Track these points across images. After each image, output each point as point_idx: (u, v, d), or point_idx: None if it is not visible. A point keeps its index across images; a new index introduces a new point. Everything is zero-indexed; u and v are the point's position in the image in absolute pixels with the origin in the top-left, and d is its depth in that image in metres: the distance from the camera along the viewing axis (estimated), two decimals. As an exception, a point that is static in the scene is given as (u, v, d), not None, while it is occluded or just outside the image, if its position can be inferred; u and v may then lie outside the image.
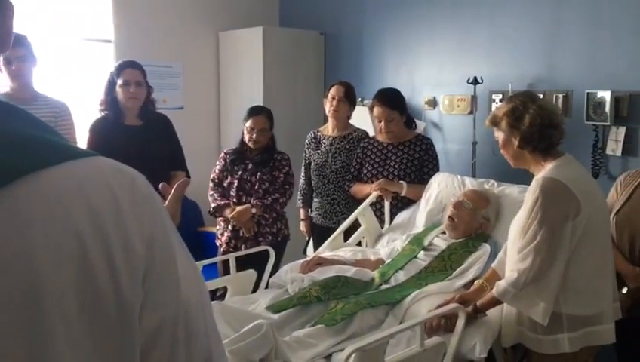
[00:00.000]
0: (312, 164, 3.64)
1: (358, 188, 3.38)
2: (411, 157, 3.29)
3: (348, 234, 3.21)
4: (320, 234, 3.58)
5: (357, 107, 3.69)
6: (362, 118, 3.91)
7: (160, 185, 1.06)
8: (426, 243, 2.74)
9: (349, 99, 3.57)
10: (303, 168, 3.73)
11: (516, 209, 2.42)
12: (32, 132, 0.66)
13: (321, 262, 2.77)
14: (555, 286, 2.01)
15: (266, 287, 2.81)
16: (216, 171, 3.45)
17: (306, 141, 3.72)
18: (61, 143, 0.67)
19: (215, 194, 3.40)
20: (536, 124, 2.05)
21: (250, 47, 4.51)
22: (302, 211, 3.76)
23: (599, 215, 2.09)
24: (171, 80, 4.54)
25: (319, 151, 3.61)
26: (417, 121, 3.61)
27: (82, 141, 3.19)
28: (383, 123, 3.26)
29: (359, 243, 3.22)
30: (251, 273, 2.81)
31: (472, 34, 3.76)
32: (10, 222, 0.60)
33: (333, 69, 4.66)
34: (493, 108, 3.56)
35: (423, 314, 2.16)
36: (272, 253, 2.90)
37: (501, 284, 2.09)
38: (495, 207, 2.75)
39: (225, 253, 3.29)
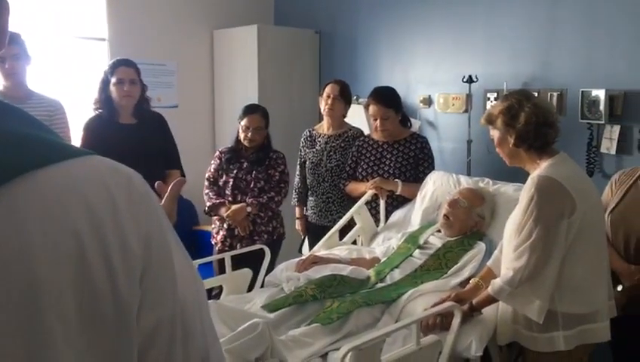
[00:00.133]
0: (307, 163, 3.64)
1: (354, 187, 3.38)
2: (406, 156, 3.29)
3: (343, 232, 3.21)
4: (315, 232, 3.58)
5: (352, 105, 3.69)
6: (357, 117, 3.92)
7: (156, 184, 1.06)
8: (421, 241, 2.75)
9: (345, 97, 3.56)
10: (298, 167, 3.72)
11: (511, 207, 2.43)
12: (28, 131, 0.66)
13: (316, 261, 2.77)
14: (551, 284, 2.01)
15: (262, 286, 2.81)
16: (212, 170, 3.44)
17: (301, 139, 3.72)
18: (58, 142, 0.67)
19: (210, 193, 3.39)
20: (531, 123, 2.05)
21: (245, 46, 4.50)
22: (297, 210, 3.76)
23: (594, 213, 2.09)
24: (165, 78, 4.52)
25: (314, 149, 3.61)
26: (412, 120, 3.61)
27: (76, 139, 3.17)
28: (378, 121, 3.27)
29: (354, 242, 3.22)
30: (247, 272, 2.81)
31: (467, 32, 3.76)
32: (7, 221, 0.59)
33: (328, 67, 4.66)
34: (488, 107, 3.57)
35: (419, 313, 2.16)
36: (268, 251, 2.90)
37: (497, 282, 2.09)
38: (490, 205, 2.75)
39: (220, 251, 3.29)
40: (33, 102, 2.95)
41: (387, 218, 3.24)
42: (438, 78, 3.92)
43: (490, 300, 2.14)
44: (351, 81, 3.75)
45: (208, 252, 3.50)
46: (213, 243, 3.48)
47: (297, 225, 3.78)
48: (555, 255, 1.99)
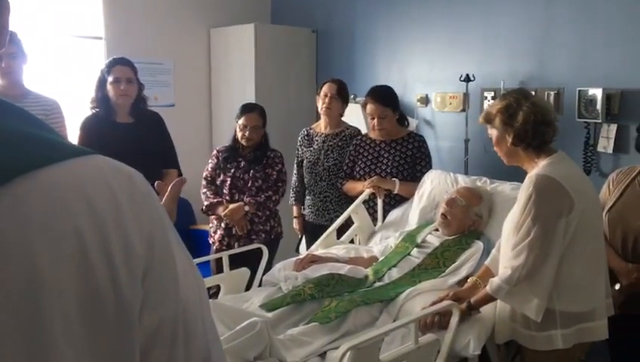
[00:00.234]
0: (305, 162, 3.63)
1: (351, 186, 3.38)
2: (404, 155, 3.29)
3: (341, 231, 3.21)
4: (312, 231, 3.58)
5: (349, 104, 3.69)
6: (354, 116, 3.91)
7: (156, 184, 1.05)
8: (419, 240, 2.75)
9: (342, 96, 3.56)
10: (295, 166, 3.72)
11: (509, 206, 2.43)
12: (29, 129, 0.65)
13: (314, 260, 2.77)
14: (549, 283, 2.02)
15: (259, 285, 2.80)
16: (209, 169, 3.43)
17: (299, 138, 3.72)
18: (59, 141, 0.67)
19: (208, 192, 3.38)
20: (529, 121, 2.06)
21: (242, 44, 4.49)
22: (294, 209, 3.76)
23: (592, 212, 2.10)
24: (162, 77, 4.51)
25: (312, 148, 3.60)
26: (409, 119, 3.61)
27: (73, 139, 3.16)
28: (375, 120, 3.27)
29: (352, 241, 3.22)
30: (244, 271, 2.80)
31: (464, 31, 3.76)
32: (9, 221, 0.59)
33: (325, 66, 4.65)
34: (485, 106, 3.58)
35: (417, 312, 2.17)
36: (265, 251, 2.90)
37: (495, 281, 2.10)
38: (488, 204, 2.76)
39: (218, 251, 3.28)
40: (30, 101, 2.94)
41: (384, 217, 3.24)
42: (436, 77, 3.93)
43: (489, 299, 2.14)
44: (348, 79, 3.75)
45: (206, 251, 3.50)
46: (210, 242, 3.47)
47: (295, 224, 3.77)
48: (553, 253, 2.00)
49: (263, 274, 2.83)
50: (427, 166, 3.30)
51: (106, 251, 0.62)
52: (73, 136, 3.18)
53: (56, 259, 0.60)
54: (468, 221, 2.69)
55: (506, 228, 2.17)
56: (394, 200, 3.28)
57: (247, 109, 3.38)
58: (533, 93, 2.78)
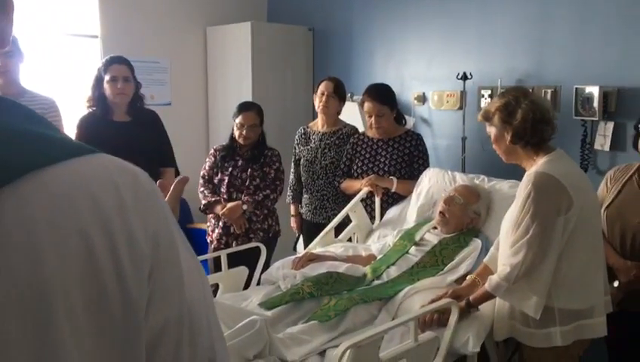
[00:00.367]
0: (302, 160, 3.63)
1: (349, 184, 3.38)
2: (401, 153, 3.29)
3: (338, 230, 3.20)
4: (310, 230, 3.58)
5: (346, 103, 3.69)
6: (352, 114, 3.91)
7: (157, 183, 1.05)
8: (417, 238, 2.75)
9: (339, 94, 3.56)
10: (292, 164, 3.72)
11: (507, 204, 2.44)
12: (34, 128, 0.65)
13: (312, 259, 2.77)
14: (547, 280, 2.02)
15: (258, 284, 2.80)
16: (206, 168, 3.43)
17: (296, 137, 3.72)
18: (64, 140, 0.67)
19: (205, 191, 3.38)
20: (528, 119, 2.06)
21: (238, 43, 4.48)
22: (292, 207, 3.75)
23: (591, 209, 2.10)
24: (158, 75, 4.50)
25: (309, 147, 3.60)
26: (406, 117, 3.61)
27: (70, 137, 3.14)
28: (373, 118, 3.27)
29: (350, 239, 3.22)
30: (243, 270, 2.80)
31: (460, 29, 3.76)
32: (15, 221, 0.59)
33: (322, 64, 4.65)
34: (482, 104, 3.59)
35: (417, 310, 2.17)
36: (264, 249, 2.89)
37: (494, 278, 2.10)
38: (486, 202, 2.76)
39: (216, 249, 3.28)
40: (26, 100, 2.92)
41: (382, 215, 3.24)
42: (432, 75, 3.93)
43: (487, 296, 2.14)
44: (345, 78, 3.75)
45: (203, 250, 3.49)
46: (208, 241, 3.47)
47: (292, 222, 3.77)
48: (551, 251, 2.00)
49: (261, 272, 2.83)
50: (425, 164, 3.30)
51: (111, 250, 0.62)
52: (70, 135, 3.16)
53: (63, 259, 0.60)
54: (466, 219, 2.69)
55: (505, 226, 2.17)
56: (391, 199, 3.28)
57: (244, 108, 3.38)
58: (530, 91, 2.78)
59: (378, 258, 2.78)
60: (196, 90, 4.77)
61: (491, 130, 2.18)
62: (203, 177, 3.42)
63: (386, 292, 2.41)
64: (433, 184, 3.06)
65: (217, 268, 2.90)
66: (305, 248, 3.40)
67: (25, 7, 3.73)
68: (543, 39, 3.37)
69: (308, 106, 4.50)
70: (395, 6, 4.09)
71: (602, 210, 2.42)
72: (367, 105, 3.28)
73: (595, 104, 3.06)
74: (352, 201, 3.17)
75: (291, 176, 3.73)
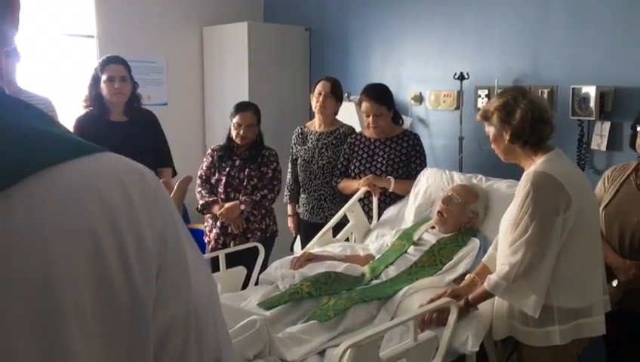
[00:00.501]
0: (299, 160, 3.63)
1: (346, 184, 3.38)
2: (399, 153, 3.30)
3: (336, 230, 3.21)
4: (307, 230, 3.58)
5: (343, 103, 3.69)
6: (349, 114, 3.92)
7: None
8: (415, 238, 2.75)
9: (336, 94, 3.56)
10: (289, 164, 3.72)
11: (505, 203, 2.44)
12: (42, 127, 0.65)
13: (311, 258, 2.77)
14: (546, 279, 2.03)
15: (256, 284, 2.80)
16: (204, 168, 3.42)
17: (293, 137, 3.72)
18: (73, 138, 0.67)
19: (203, 191, 3.37)
20: (527, 119, 2.06)
21: (235, 43, 4.47)
22: (289, 207, 3.75)
23: (589, 208, 2.11)
24: (155, 75, 4.49)
25: (306, 146, 3.60)
26: (404, 117, 3.62)
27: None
28: (371, 118, 3.27)
29: (347, 239, 3.22)
30: (241, 270, 2.80)
31: (457, 29, 3.77)
32: (25, 219, 0.59)
33: (319, 64, 4.65)
34: (479, 104, 3.60)
35: (415, 309, 2.17)
36: (262, 249, 2.89)
37: (492, 278, 2.10)
38: (484, 201, 2.77)
39: (213, 249, 3.28)
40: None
41: (380, 215, 3.24)
42: (429, 75, 3.93)
43: (486, 295, 2.15)
44: (341, 78, 3.75)
45: (201, 250, 3.47)
46: (205, 241, 3.46)
47: (289, 222, 3.77)
48: (550, 250, 2.01)
49: (259, 272, 2.83)
50: (422, 164, 3.31)
51: (119, 249, 0.62)
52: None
53: (71, 258, 0.60)
54: (464, 218, 2.70)
55: (504, 225, 2.18)
56: (389, 199, 3.28)
57: (241, 108, 3.37)
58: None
59: (376, 258, 2.78)
60: (193, 90, 4.76)
61: (490, 130, 2.19)
62: (200, 177, 3.42)
63: (384, 292, 2.41)
64: (431, 184, 3.07)
65: (215, 268, 2.90)
66: (302, 248, 3.40)
67: (21, 7, 3.71)
68: (540, 39, 3.38)
69: (305, 106, 4.50)
70: (392, 6, 4.09)
71: (600, 210, 2.43)
72: (364, 104, 3.28)
73: (592, 104, 3.07)
74: (350, 201, 3.17)
75: (288, 176, 3.72)
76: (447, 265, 2.55)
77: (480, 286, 2.20)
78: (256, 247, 2.92)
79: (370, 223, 3.25)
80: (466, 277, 2.38)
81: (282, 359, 1.98)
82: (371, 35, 4.26)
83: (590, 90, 3.08)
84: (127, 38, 4.21)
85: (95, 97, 3.15)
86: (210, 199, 3.33)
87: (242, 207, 3.26)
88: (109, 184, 0.65)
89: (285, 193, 3.73)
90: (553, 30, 3.32)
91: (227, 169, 3.34)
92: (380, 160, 3.31)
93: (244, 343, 1.88)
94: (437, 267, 2.56)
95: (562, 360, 2.13)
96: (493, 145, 2.21)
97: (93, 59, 3.96)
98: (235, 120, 3.33)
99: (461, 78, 3.62)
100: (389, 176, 3.23)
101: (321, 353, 2.09)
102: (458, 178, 3.01)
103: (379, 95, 3.27)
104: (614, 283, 2.34)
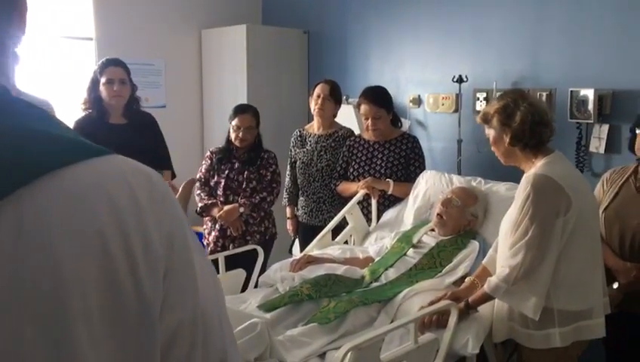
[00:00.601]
0: (298, 163, 3.63)
1: (345, 187, 3.38)
2: (397, 156, 3.30)
3: (335, 232, 3.21)
4: (305, 232, 3.58)
5: (342, 105, 3.69)
6: (347, 116, 3.92)
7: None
8: (415, 240, 2.75)
9: (335, 97, 3.57)
10: (288, 167, 3.72)
11: (504, 206, 2.45)
12: (51, 130, 0.65)
13: (310, 261, 2.77)
14: (546, 282, 2.03)
15: (255, 286, 2.80)
16: (203, 170, 3.42)
17: (292, 139, 3.72)
18: (80, 141, 0.67)
19: (202, 194, 3.37)
20: (527, 122, 2.07)
21: (234, 45, 4.48)
22: (288, 210, 3.75)
23: (589, 211, 2.12)
24: (153, 78, 4.48)
25: (305, 149, 3.60)
26: (402, 120, 3.62)
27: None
28: (370, 120, 3.27)
29: (346, 242, 3.22)
30: (240, 272, 2.80)
31: (456, 32, 3.78)
32: (33, 221, 0.59)
33: (317, 67, 4.65)
34: (477, 107, 3.61)
35: (415, 312, 2.17)
36: (261, 252, 2.89)
37: (492, 280, 2.11)
38: (483, 204, 2.77)
39: (212, 252, 3.27)
40: (22, 102, 2.91)
41: (379, 217, 3.25)
42: (428, 78, 3.94)
43: (486, 298, 2.15)
44: (340, 80, 3.75)
45: (200, 253, 3.47)
46: (204, 243, 3.46)
47: (288, 225, 3.77)
48: (550, 252, 2.01)
49: (259, 275, 2.83)
50: (421, 167, 3.31)
51: (127, 251, 0.62)
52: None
53: (79, 261, 0.60)
54: (463, 221, 2.70)
55: (504, 228, 2.18)
56: (388, 201, 3.29)
57: (240, 110, 3.37)
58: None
59: (376, 260, 2.78)
60: (191, 92, 4.76)
61: (490, 133, 2.19)
62: (199, 180, 3.41)
63: (384, 295, 2.41)
64: (430, 186, 3.07)
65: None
66: (301, 251, 3.40)
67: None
68: (538, 42, 3.39)
69: (303, 109, 4.50)
70: (391, 9, 4.10)
71: (600, 212, 2.43)
72: (363, 107, 3.29)
73: (590, 107, 3.08)
74: (349, 204, 3.18)
75: (287, 179, 3.72)
76: (447, 267, 2.55)
77: (480, 288, 2.20)
78: (255, 250, 2.92)
79: (370, 226, 3.25)
80: (465, 280, 2.38)
81: (283, 362, 1.98)
82: (370, 38, 4.27)
83: (588, 93, 3.09)
84: (126, 41, 4.21)
85: (94, 100, 3.14)
86: (210, 202, 3.33)
87: (241, 209, 3.26)
88: (116, 186, 0.65)
89: (284, 196, 3.73)
90: (551, 33, 3.33)
91: (226, 171, 3.34)
92: (378, 162, 3.32)
93: (245, 346, 1.87)
94: (437, 269, 2.57)
95: (562, 362, 2.13)
96: (493, 148, 2.22)
97: (92, 61, 3.96)
98: (234, 122, 3.33)
99: (460, 80, 3.63)
100: (388, 179, 3.24)
101: (322, 356, 2.10)
102: (457, 180, 3.01)
103: (378, 97, 3.28)
104: (615, 285, 2.34)
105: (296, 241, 3.77)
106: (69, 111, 3.53)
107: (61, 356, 0.59)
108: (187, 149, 4.45)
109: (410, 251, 2.70)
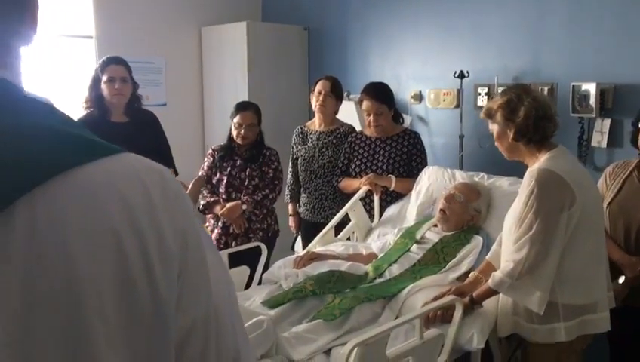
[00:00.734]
0: (300, 159, 3.63)
1: (347, 183, 3.38)
2: (399, 152, 3.30)
3: (338, 229, 3.21)
4: (308, 229, 3.58)
5: (343, 102, 3.68)
6: (348, 113, 3.91)
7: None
8: (418, 236, 2.75)
9: (336, 93, 3.56)
10: (290, 163, 3.72)
11: (507, 201, 2.45)
12: (64, 128, 0.65)
13: (314, 257, 2.77)
14: (551, 276, 2.03)
15: (259, 284, 2.80)
16: (205, 168, 3.42)
17: (293, 136, 3.71)
18: (92, 140, 0.67)
19: (204, 191, 3.37)
20: (531, 116, 2.07)
21: (234, 43, 4.47)
22: (290, 207, 3.75)
23: (593, 205, 2.12)
24: (153, 76, 4.48)
25: (306, 146, 3.60)
26: (403, 116, 3.62)
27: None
28: (372, 117, 3.27)
29: (349, 238, 3.22)
30: (244, 269, 2.80)
31: (456, 27, 3.77)
32: (48, 221, 0.59)
33: (318, 63, 4.65)
34: (479, 102, 3.60)
35: (420, 307, 2.17)
36: (265, 249, 2.89)
37: (497, 275, 2.11)
38: (486, 199, 2.77)
39: (215, 250, 3.27)
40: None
41: (381, 214, 3.25)
42: (429, 74, 3.94)
43: (491, 293, 2.15)
44: (341, 77, 3.74)
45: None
46: (207, 241, 3.45)
47: (290, 222, 3.77)
48: (555, 247, 2.02)
49: (262, 272, 2.83)
50: (423, 162, 3.31)
51: (142, 250, 0.62)
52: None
53: (94, 259, 0.60)
54: (467, 216, 2.70)
55: (508, 222, 2.18)
56: (390, 197, 3.29)
57: (242, 108, 3.37)
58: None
59: (379, 256, 2.78)
60: (191, 90, 4.75)
61: (494, 128, 2.19)
62: (195, 178, 3.40)
63: (389, 290, 2.41)
64: (433, 182, 3.07)
65: (218, 268, 2.89)
66: (303, 247, 3.40)
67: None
68: (540, 36, 3.39)
69: (304, 106, 4.50)
70: (391, 4, 4.09)
71: (604, 206, 2.43)
72: (365, 103, 3.28)
73: (592, 101, 3.08)
74: (352, 200, 3.17)
75: (289, 176, 3.72)
76: (451, 263, 2.55)
77: (484, 283, 2.20)
78: (257, 247, 2.92)
79: (372, 222, 3.25)
80: (469, 275, 2.38)
81: (289, 358, 1.98)
82: (370, 34, 4.26)
83: (590, 88, 3.08)
84: (126, 39, 4.20)
85: (95, 98, 3.14)
86: (212, 199, 3.33)
87: (244, 206, 3.26)
88: (130, 184, 0.64)
89: (286, 192, 3.73)
90: (553, 27, 3.33)
91: (228, 169, 3.33)
92: (380, 158, 3.31)
93: (251, 343, 1.87)
94: (440, 265, 2.57)
95: (567, 356, 2.14)
96: (496, 143, 2.22)
97: (92, 60, 3.96)
98: (235, 120, 3.33)
99: (461, 76, 3.62)
100: (390, 175, 3.24)
101: (327, 352, 2.10)
102: (460, 176, 3.01)
103: (380, 94, 3.28)
104: (621, 279, 2.34)
105: (299, 238, 3.78)
106: (70, 109, 3.52)
107: (78, 355, 0.58)
108: (188, 147, 4.45)
109: (414, 247, 2.70)
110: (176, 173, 3.33)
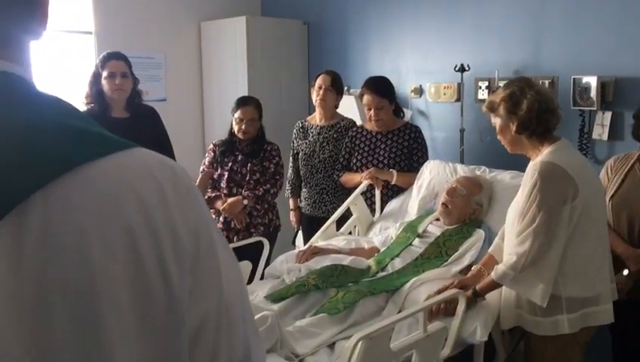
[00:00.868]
0: (300, 154, 3.63)
1: (348, 178, 3.38)
2: (400, 146, 3.30)
3: (339, 223, 3.21)
4: (309, 224, 3.58)
5: (343, 96, 3.68)
6: (349, 107, 3.91)
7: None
8: (420, 230, 2.76)
9: (336, 88, 3.56)
10: (290, 158, 3.71)
11: (509, 194, 2.46)
12: (76, 123, 0.65)
13: (316, 252, 2.77)
14: (554, 268, 2.04)
15: (261, 278, 2.80)
16: (206, 163, 3.42)
17: (294, 131, 3.71)
18: (104, 135, 0.66)
19: (205, 186, 3.37)
20: (533, 109, 2.07)
21: (233, 38, 4.46)
22: (291, 201, 3.75)
23: (596, 198, 2.12)
24: (153, 71, 4.47)
25: (307, 140, 3.60)
26: (404, 110, 3.61)
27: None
28: (372, 111, 3.27)
29: (350, 233, 3.22)
30: (246, 264, 2.79)
31: (456, 21, 3.77)
32: (62, 217, 0.58)
33: (317, 58, 4.64)
34: (479, 96, 3.60)
35: (424, 301, 2.18)
36: (267, 243, 2.89)
37: (500, 268, 2.11)
38: (488, 192, 2.78)
39: (217, 245, 3.27)
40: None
41: (382, 208, 3.25)
42: (429, 68, 3.93)
43: (494, 285, 2.16)
44: (341, 71, 3.73)
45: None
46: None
47: (291, 216, 3.77)
48: (558, 239, 2.02)
49: (264, 267, 2.83)
50: (424, 157, 3.31)
51: (156, 247, 0.62)
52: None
53: (109, 257, 0.59)
54: (469, 210, 2.71)
55: (511, 215, 2.18)
56: (391, 191, 3.29)
57: (242, 102, 3.36)
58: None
59: (382, 250, 2.79)
60: (191, 85, 4.74)
61: (496, 121, 2.19)
62: (203, 172, 3.41)
63: (392, 284, 2.42)
64: (434, 176, 3.07)
65: (220, 263, 2.89)
66: (304, 242, 3.40)
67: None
68: (540, 30, 3.38)
69: (304, 100, 4.50)
70: (391, -2, 4.08)
71: (607, 199, 2.44)
72: (366, 97, 3.28)
73: (593, 94, 3.07)
74: (353, 194, 3.18)
75: (290, 170, 3.72)
76: (453, 256, 2.56)
77: (487, 276, 2.21)
78: (259, 242, 2.92)
79: (374, 216, 3.26)
80: (472, 268, 2.39)
81: (293, 352, 1.99)
82: (370, 28, 4.25)
83: (591, 80, 3.08)
84: (125, 34, 4.19)
85: (96, 94, 3.13)
86: (213, 194, 3.33)
87: (245, 201, 3.26)
88: (142, 180, 0.64)
89: (287, 187, 3.73)
90: (553, 20, 3.32)
91: (229, 164, 3.33)
92: (381, 153, 3.32)
93: (257, 338, 1.88)
94: (442, 258, 2.57)
95: (570, 348, 2.14)
96: (499, 136, 2.22)
97: (91, 55, 3.95)
98: (236, 115, 3.32)
99: (461, 69, 3.61)
100: (391, 169, 3.24)
101: (331, 346, 2.10)
102: (461, 170, 3.01)
103: (380, 88, 3.27)
104: (625, 272, 2.34)
105: (300, 233, 3.78)
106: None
107: (93, 353, 0.58)
108: (188, 142, 4.44)
109: (416, 241, 2.71)
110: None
